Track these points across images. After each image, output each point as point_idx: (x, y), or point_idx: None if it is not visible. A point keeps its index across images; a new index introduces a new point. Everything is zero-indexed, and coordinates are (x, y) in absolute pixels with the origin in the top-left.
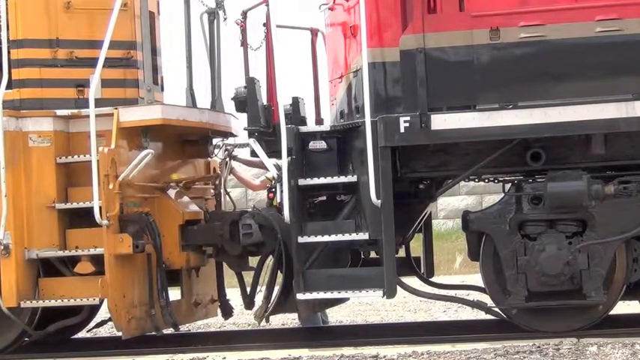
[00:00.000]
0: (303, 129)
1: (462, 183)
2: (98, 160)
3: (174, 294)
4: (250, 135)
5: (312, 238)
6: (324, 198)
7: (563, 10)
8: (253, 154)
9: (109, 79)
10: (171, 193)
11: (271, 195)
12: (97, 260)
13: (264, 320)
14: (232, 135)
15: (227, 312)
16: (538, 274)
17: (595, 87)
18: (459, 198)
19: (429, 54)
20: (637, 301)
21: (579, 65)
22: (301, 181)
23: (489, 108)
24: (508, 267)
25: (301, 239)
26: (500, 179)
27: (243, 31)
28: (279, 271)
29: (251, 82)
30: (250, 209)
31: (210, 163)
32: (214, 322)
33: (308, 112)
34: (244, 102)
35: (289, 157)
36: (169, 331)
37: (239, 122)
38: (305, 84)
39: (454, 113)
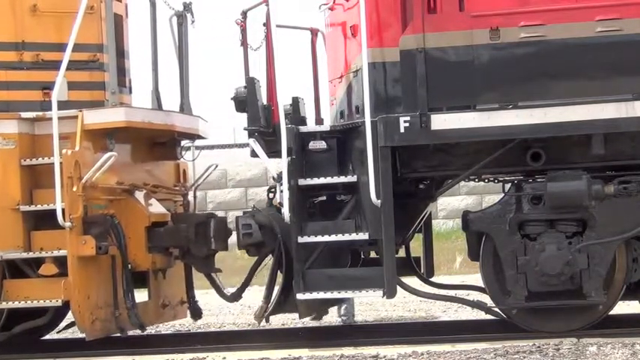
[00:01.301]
0: (303, 129)
1: (462, 183)
2: (61, 163)
3: (143, 295)
4: (250, 135)
5: (312, 238)
6: (324, 198)
7: (563, 10)
8: (253, 154)
9: (75, 81)
10: (139, 194)
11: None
12: (61, 262)
13: (264, 320)
14: (200, 137)
15: (196, 314)
16: (538, 274)
17: (595, 87)
18: (459, 198)
19: (429, 54)
20: (637, 301)
21: (579, 65)
22: (301, 181)
23: (489, 108)
24: (508, 267)
25: (301, 239)
26: (500, 179)
27: (243, 31)
28: (279, 271)
29: (251, 82)
30: (250, 209)
31: (180, 165)
32: (214, 322)
33: (308, 112)
34: (244, 102)
35: (289, 157)
36: (170, 331)
37: (207, 124)
38: (305, 84)
39: (454, 113)
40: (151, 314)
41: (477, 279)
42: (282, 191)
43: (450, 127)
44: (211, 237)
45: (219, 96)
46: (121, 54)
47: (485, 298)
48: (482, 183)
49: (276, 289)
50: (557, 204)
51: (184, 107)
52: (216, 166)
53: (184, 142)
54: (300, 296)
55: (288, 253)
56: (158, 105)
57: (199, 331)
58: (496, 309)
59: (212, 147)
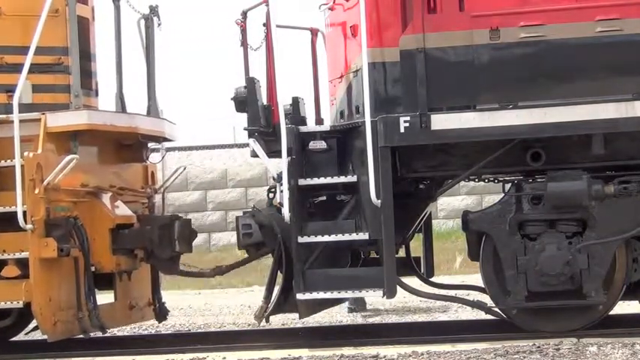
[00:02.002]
0: (303, 129)
1: (462, 183)
2: (23, 165)
3: (110, 297)
4: (250, 135)
5: (312, 238)
6: (324, 198)
7: (563, 10)
8: (253, 153)
9: (39, 84)
10: (105, 197)
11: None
12: (24, 264)
13: (264, 320)
14: (166, 139)
15: (162, 315)
16: (538, 274)
17: (595, 87)
18: (459, 198)
19: (429, 54)
20: (637, 301)
21: (579, 65)
22: (301, 181)
23: (489, 108)
24: (508, 267)
25: (301, 239)
26: (500, 179)
27: (243, 31)
28: (279, 271)
29: (251, 82)
30: (250, 209)
31: (149, 167)
32: (214, 322)
33: (308, 112)
34: (244, 102)
35: (289, 157)
36: (170, 331)
37: (174, 126)
38: (305, 84)
39: (454, 113)
40: (117, 316)
41: (477, 279)
42: (282, 191)
43: (450, 127)
44: (175, 239)
45: (220, 96)
46: (87, 57)
47: (486, 298)
48: (482, 183)
49: (276, 289)
50: (557, 204)
51: (151, 110)
52: (184, 168)
53: (163, 144)
54: (300, 296)
55: (288, 253)
56: (122, 108)
57: (199, 331)
58: (496, 309)
59: (212, 147)
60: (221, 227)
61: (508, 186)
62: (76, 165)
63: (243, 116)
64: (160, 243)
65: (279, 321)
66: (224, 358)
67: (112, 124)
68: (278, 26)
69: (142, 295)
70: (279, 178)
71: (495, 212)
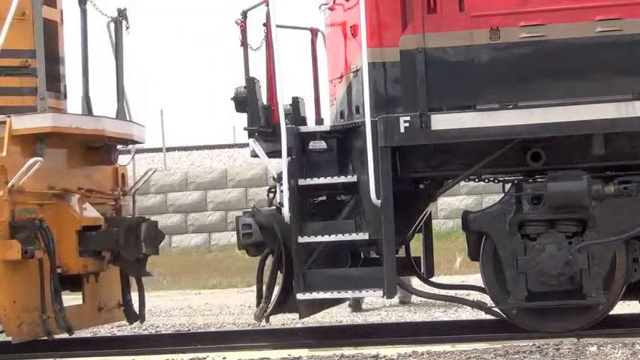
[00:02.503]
0: (303, 129)
1: (462, 183)
2: None
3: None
4: (250, 135)
5: (312, 238)
6: (324, 198)
7: (563, 10)
8: (253, 153)
9: (6, 87)
10: (72, 199)
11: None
12: None
13: (264, 320)
14: (135, 142)
15: (131, 316)
16: (538, 274)
17: (595, 87)
18: (459, 198)
19: (429, 54)
20: (637, 301)
21: (579, 65)
22: (301, 181)
23: (489, 108)
24: (508, 267)
25: (301, 239)
26: (500, 179)
27: (243, 31)
28: (279, 271)
29: (251, 82)
30: (250, 209)
31: (119, 170)
32: (214, 322)
33: (308, 112)
34: (244, 102)
35: (289, 157)
36: (170, 331)
37: (143, 129)
38: (305, 84)
39: (454, 113)
40: (86, 317)
41: (477, 279)
42: (282, 191)
43: (450, 127)
44: (142, 241)
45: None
46: (56, 60)
47: (486, 298)
48: (482, 183)
49: (276, 289)
50: (558, 204)
51: (120, 112)
52: (155, 170)
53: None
54: (300, 296)
55: (288, 253)
56: (88, 110)
57: (199, 331)
58: (496, 309)
59: (212, 147)
60: (221, 227)
61: (508, 186)
62: (43, 167)
63: (243, 116)
64: (126, 245)
65: (279, 321)
66: (224, 358)
67: (77, 126)
68: (278, 26)
69: (111, 297)
70: (279, 178)
71: (495, 212)
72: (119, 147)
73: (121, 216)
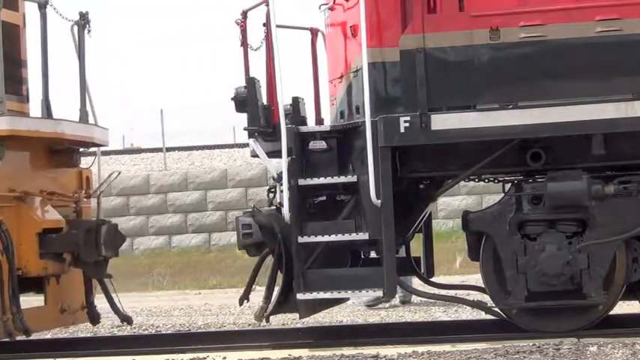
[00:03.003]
0: (303, 129)
1: (462, 183)
2: None
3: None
4: (250, 135)
5: (312, 238)
6: (324, 198)
7: (563, 10)
8: (253, 153)
9: None
10: (33, 201)
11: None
12: None
13: (264, 320)
14: (97, 145)
15: (94, 319)
16: (538, 274)
17: (595, 87)
18: (459, 198)
19: (429, 54)
20: (637, 301)
21: (579, 65)
22: (301, 181)
23: (489, 108)
24: (508, 267)
25: (301, 239)
26: (500, 179)
27: (243, 31)
28: (279, 271)
29: (251, 82)
30: (250, 209)
31: (83, 172)
32: (214, 322)
33: (308, 112)
34: (244, 102)
35: (289, 157)
36: (170, 331)
37: (106, 132)
38: (305, 84)
39: (454, 113)
40: (47, 319)
41: (477, 279)
42: (282, 191)
43: (450, 127)
44: (102, 243)
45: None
46: (17, 63)
47: (486, 298)
48: (482, 183)
49: (276, 289)
50: (557, 204)
51: (83, 115)
52: (119, 173)
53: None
54: (300, 296)
55: (288, 253)
56: (48, 113)
57: (199, 331)
58: (496, 309)
59: (212, 147)
60: (221, 227)
61: (508, 186)
62: (4, 170)
63: (243, 116)
64: (85, 247)
65: (279, 321)
66: (224, 358)
67: (36, 129)
68: (278, 26)
69: (74, 299)
70: (279, 178)
71: (495, 212)
72: (93, 149)
73: (82, 218)
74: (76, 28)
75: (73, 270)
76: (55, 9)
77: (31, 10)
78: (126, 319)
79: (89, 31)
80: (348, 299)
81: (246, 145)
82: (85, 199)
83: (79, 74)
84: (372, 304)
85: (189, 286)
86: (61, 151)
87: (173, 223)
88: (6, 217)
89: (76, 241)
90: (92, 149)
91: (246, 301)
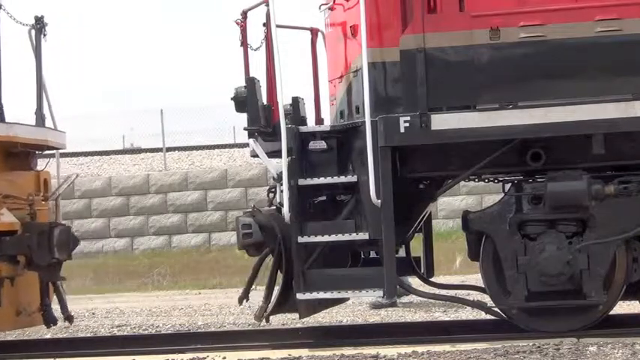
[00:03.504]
0: (303, 129)
1: (462, 183)
2: None
3: None
4: (250, 135)
5: (312, 238)
6: (324, 198)
7: (563, 10)
8: (253, 153)
9: None
10: None
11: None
12: None
13: (264, 320)
14: (51, 148)
15: (49, 321)
16: (538, 274)
17: (595, 87)
18: (459, 198)
19: (429, 54)
20: (637, 301)
21: (579, 65)
22: (301, 181)
23: (489, 108)
24: (508, 267)
25: (301, 239)
26: (500, 179)
27: (243, 31)
28: (279, 271)
29: (251, 82)
30: (250, 209)
31: (41, 175)
32: (214, 322)
33: (308, 112)
34: (244, 102)
35: (289, 157)
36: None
37: (61, 135)
38: (305, 84)
39: (454, 113)
40: (3, 321)
41: (477, 279)
42: (282, 191)
43: (450, 127)
44: (54, 246)
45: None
46: None
47: (486, 298)
48: (482, 183)
49: (276, 289)
50: (558, 204)
51: (38, 119)
52: (77, 175)
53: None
54: (300, 296)
55: (288, 252)
56: (1, 118)
57: (199, 331)
58: (496, 309)
59: (213, 147)
60: (221, 227)
61: (508, 186)
62: None
63: (243, 116)
64: (38, 250)
65: (279, 321)
66: (224, 358)
67: None
68: (278, 26)
69: (30, 301)
70: (279, 178)
71: (495, 212)
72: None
73: (36, 221)
74: (33, 32)
75: (29, 273)
76: (8, 13)
77: None
78: (68, 318)
79: (45, 35)
80: (348, 299)
81: (246, 145)
82: (42, 202)
83: (36, 78)
84: (377, 306)
85: (189, 286)
86: (17, 155)
87: (173, 223)
88: None
89: (29, 244)
90: (63, 151)
91: (245, 300)
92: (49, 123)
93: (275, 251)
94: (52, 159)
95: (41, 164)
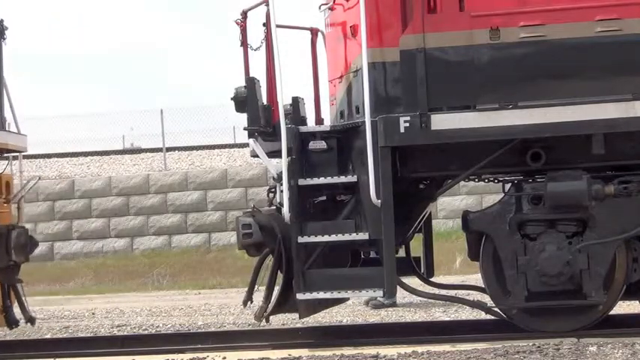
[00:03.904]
0: (303, 129)
1: (462, 183)
2: None
3: None
4: (250, 135)
5: (312, 238)
6: (324, 198)
7: (563, 10)
8: (253, 153)
9: None
10: None
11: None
12: None
13: (264, 320)
14: (11, 151)
15: (11, 322)
16: (538, 274)
17: (595, 87)
18: (459, 198)
19: (429, 54)
20: (637, 301)
21: (579, 65)
22: (301, 181)
23: (489, 108)
24: (508, 267)
25: (301, 239)
26: (500, 179)
27: (243, 31)
28: (279, 271)
29: (251, 82)
30: (250, 209)
31: (2, 178)
32: (214, 322)
33: (308, 112)
34: (244, 102)
35: (289, 157)
36: (170, 331)
37: (24, 138)
38: (305, 84)
39: (454, 113)
40: None
41: (477, 279)
42: (282, 191)
43: (450, 127)
44: (12, 248)
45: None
46: None
47: (486, 298)
48: (482, 183)
49: (276, 289)
50: (557, 204)
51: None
52: (39, 178)
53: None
54: (300, 296)
55: (288, 252)
56: None
57: (199, 331)
58: (496, 309)
59: (213, 147)
60: (221, 227)
61: (508, 186)
62: None
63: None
64: None
65: (279, 321)
66: (224, 358)
67: None
68: (278, 26)
69: None
70: (279, 178)
71: (495, 212)
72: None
73: None
74: None
75: None
76: None
77: None
78: (30, 320)
79: (4, 38)
80: (348, 299)
81: (246, 145)
82: (4, 204)
83: None
84: (378, 306)
85: (189, 286)
86: None
87: (173, 223)
88: None
89: None
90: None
91: (250, 302)
92: (13, 126)
93: (275, 251)
94: (15, 161)
95: (26, 166)
